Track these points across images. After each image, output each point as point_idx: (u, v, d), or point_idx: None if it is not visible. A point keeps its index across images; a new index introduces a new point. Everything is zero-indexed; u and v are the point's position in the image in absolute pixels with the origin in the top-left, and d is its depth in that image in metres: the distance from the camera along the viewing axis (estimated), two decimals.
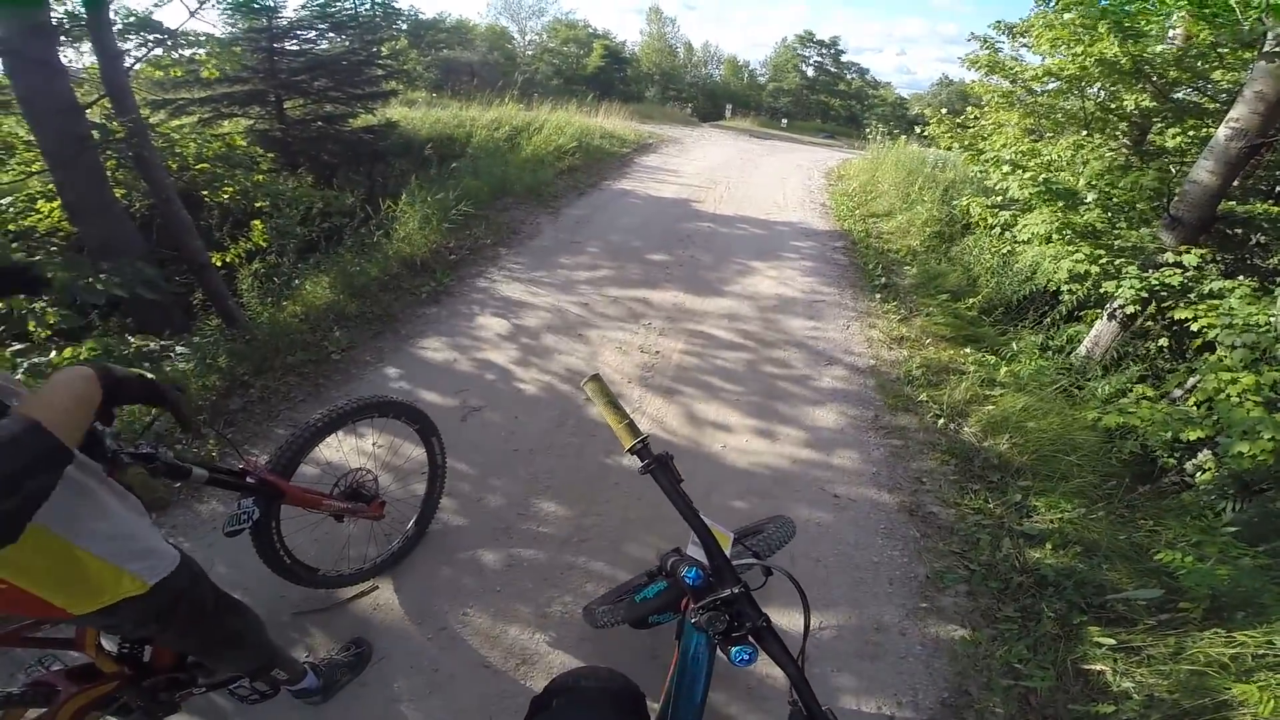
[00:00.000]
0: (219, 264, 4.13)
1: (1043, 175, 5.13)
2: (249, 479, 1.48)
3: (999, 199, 5.94)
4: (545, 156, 7.66)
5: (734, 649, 0.82)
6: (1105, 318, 4.75)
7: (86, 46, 4.51)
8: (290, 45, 7.26)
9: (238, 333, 3.39)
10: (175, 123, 5.93)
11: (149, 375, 1.04)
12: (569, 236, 5.42)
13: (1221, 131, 3.87)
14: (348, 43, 7.83)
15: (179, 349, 3.14)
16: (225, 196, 4.76)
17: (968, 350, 3.96)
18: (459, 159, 6.90)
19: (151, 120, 5.27)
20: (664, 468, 0.94)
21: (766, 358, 3.76)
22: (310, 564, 1.88)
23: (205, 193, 4.73)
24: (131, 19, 4.72)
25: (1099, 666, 1.91)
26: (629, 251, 5.24)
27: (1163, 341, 5.30)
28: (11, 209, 4.05)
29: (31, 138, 3.98)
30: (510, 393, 3.18)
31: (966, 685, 1.88)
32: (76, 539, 0.95)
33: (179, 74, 5.56)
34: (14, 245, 3.82)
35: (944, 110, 6.74)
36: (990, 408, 3.28)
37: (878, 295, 4.79)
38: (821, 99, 36.48)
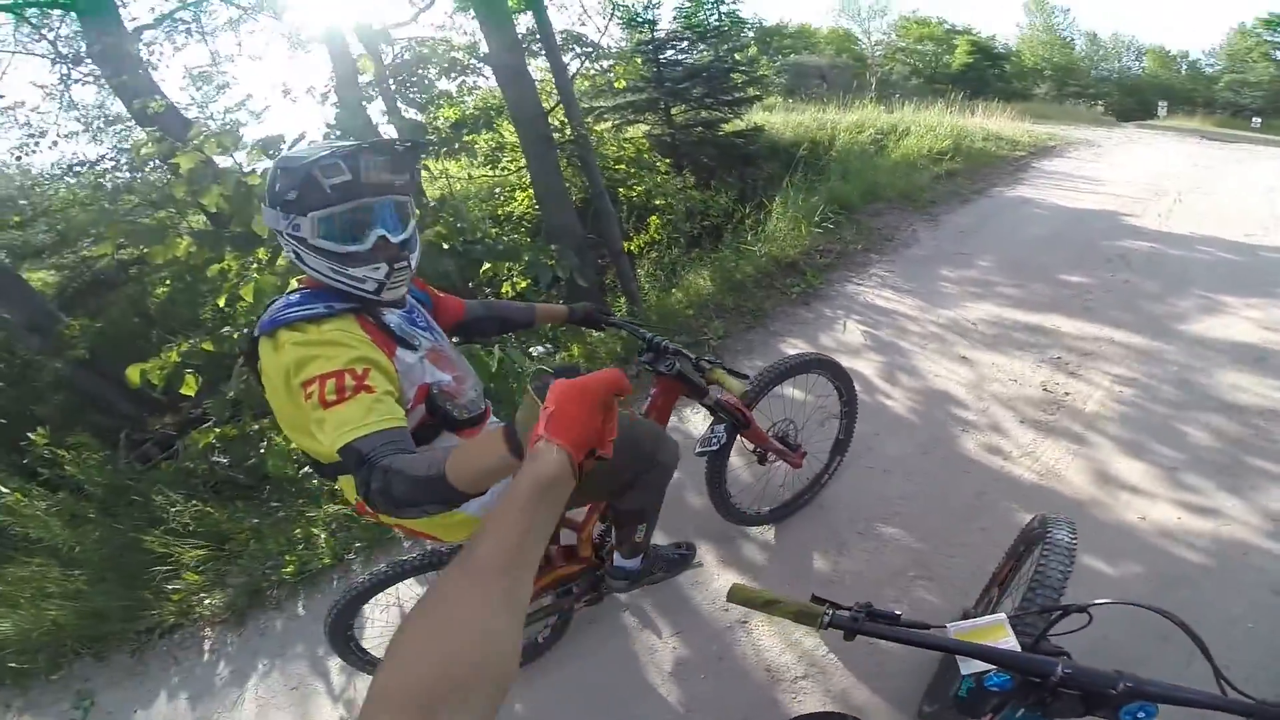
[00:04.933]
0: (626, 251, 4.83)
1: None
2: (725, 407, 1.65)
3: None
4: (917, 160, 7.00)
5: (1122, 711, 0.69)
6: None
7: (537, 61, 5.61)
8: (670, 56, 8.06)
9: (638, 311, 3.89)
10: (597, 128, 7.19)
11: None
12: (952, 247, 4.81)
13: None
14: (710, 52, 8.34)
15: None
16: (635, 194, 5.57)
17: None
18: (825, 161, 6.79)
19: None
20: (873, 619, 0.77)
21: (1232, 424, 2.71)
22: (739, 503, 2.10)
23: (621, 190, 5.61)
24: (564, 34, 5.74)
25: None
26: (1032, 269, 4.38)
27: None
28: (501, 196, 5.46)
29: (515, 138, 5.17)
30: (873, 407, 2.92)
31: None
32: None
33: (601, 83, 6.68)
34: (495, 229, 5.09)
35: None
36: None
37: None
38: None
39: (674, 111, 7.92)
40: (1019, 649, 0.78)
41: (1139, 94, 27.30)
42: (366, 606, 1.82)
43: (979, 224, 5.34)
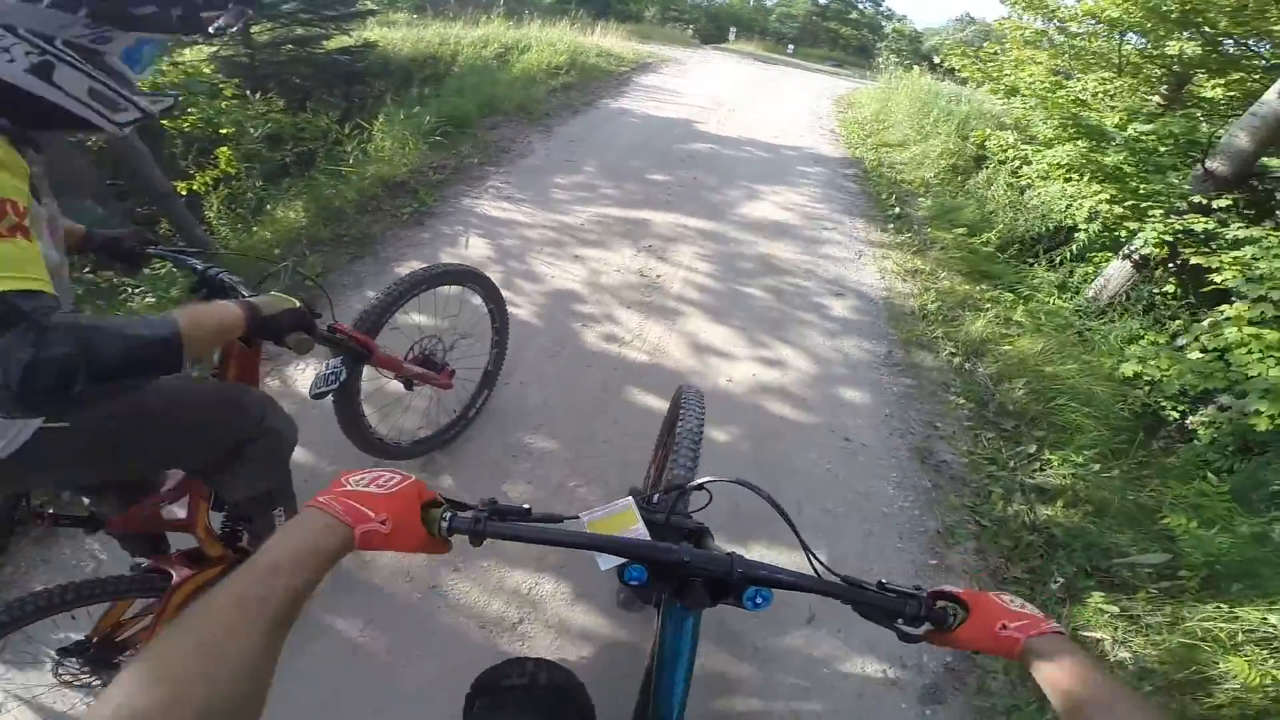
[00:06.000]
0: (185, 192, 3.82)
1: (1072, 110, 4.90)
2: (339, 335, 1.36)
3: (1017, 136, 5.71)
4: (537, 74, 7.13)
5: (744, 598, 0.68)
6: (1120, 258, 4.65)
7: None
8: None
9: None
10: None
11: (296, 305, 1.12)
12: (563, 155, 5.06)
13: (1273, 91, 3.72)
14: None
15: (133, 285, 2.88)
16: (187, 124, 4.37)
17: (983, 286, 3.75)
18: (444, 77, 6.39)
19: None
20: (502, 516, 0.69)
21: (775, 285, 3.53)
22: (382, 436, 1.90)
23: (165, 121, 4.33)
24: None
25: (1099, 634, 1.91)
26: (627, 171, 4.90)
27: (1169, 287, 5.25)
28: None
29: None
30: None
31: None
32: None
33: None
34: None
35: (956, 44, 6.50)
36: (1007, 348, 3.11)
37: (891, 225, 4.52)
38: (831, 27, 34.54)
39: (254, 29, 6.43)
40: (648, 535, 0.73)
41: (719, 20, 32.71)
42: None
43: (586, 133, 5.74)
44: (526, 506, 0.70)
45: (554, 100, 6.58)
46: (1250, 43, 5.05)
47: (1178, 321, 4.84)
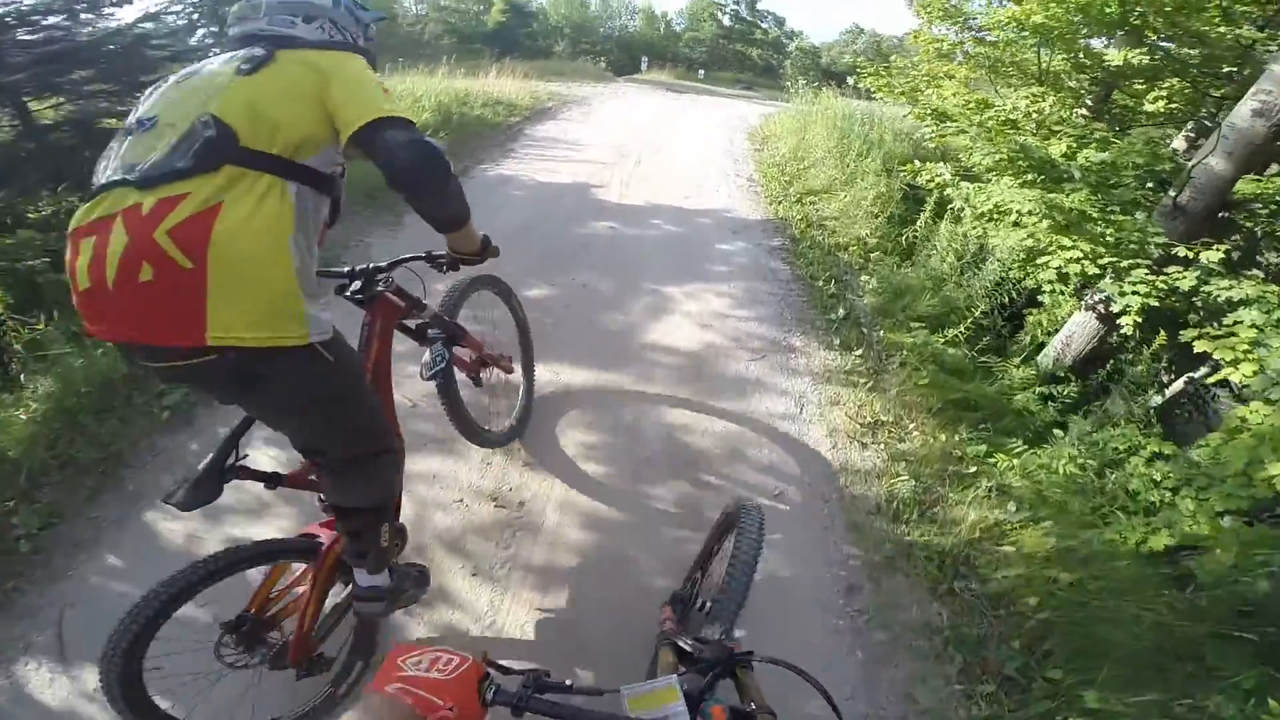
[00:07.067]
0: None
1: (1015, 138, 4.24)
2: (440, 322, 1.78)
3: (951, 170, 5.05)
4: None
5: None
6: (1082, 310, 3.98)
7: None
8: (26, 35, 5.23)
9: None
10: None
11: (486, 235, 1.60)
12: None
13: (1246, 106, 3.12)
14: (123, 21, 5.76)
15: None
16: None
17: (963, 431, 2.84)
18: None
19: None
20: (543, 690, 0.74)
21: (690, 493, 2.45)
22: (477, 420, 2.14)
23: None
24: None
25: None
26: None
27: (1127, 330, 4.63)
28: None
29: None
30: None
31: None
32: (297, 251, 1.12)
33: None
34: None
35: (861, 58, 6.04)
36: (1008, 549, 2.22)
37: (836, 339, 3.52)
38: (738, 49, 35.00)
39: (37, 108, 5.09)
40: (687, 716, 0.77)
41: (632, 50, 32.50)
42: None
43: None
44: (569, 682, 0.77)
45: None
46: (1171, 47, 4.52)
47: (1151, 393, 4.09)
